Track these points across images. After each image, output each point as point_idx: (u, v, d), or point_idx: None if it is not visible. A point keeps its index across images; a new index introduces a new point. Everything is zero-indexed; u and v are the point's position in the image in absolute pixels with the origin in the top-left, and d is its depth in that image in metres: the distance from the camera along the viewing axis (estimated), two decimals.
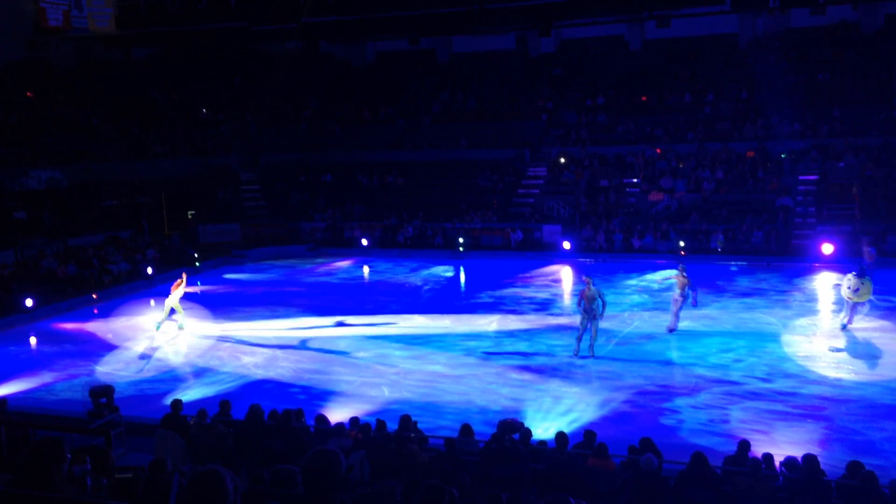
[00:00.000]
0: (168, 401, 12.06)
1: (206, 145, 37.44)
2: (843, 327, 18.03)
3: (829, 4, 31.22)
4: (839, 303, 19.25)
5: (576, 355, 16.64)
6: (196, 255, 29.00)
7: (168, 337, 19.62)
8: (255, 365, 17.20)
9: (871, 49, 33.17)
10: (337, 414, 12.61)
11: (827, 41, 34.27)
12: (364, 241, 31.63)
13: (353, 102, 39.41)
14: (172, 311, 19.89)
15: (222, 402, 11.97)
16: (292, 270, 29.13)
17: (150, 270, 26.81)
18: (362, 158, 36.33)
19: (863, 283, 17.50)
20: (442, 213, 32.09)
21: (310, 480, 4.25)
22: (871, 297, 18.05)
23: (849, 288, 17.69)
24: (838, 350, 17.04)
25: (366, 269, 28.98)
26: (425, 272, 27.75)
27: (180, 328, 20.04)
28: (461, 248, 30.02)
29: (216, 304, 23.35)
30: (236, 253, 31.12)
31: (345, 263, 30.09)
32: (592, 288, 16.50)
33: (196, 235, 32.54)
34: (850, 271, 18.31)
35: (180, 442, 11.08)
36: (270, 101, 39.72)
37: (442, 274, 27.61)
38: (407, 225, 31.98)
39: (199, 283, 27.35)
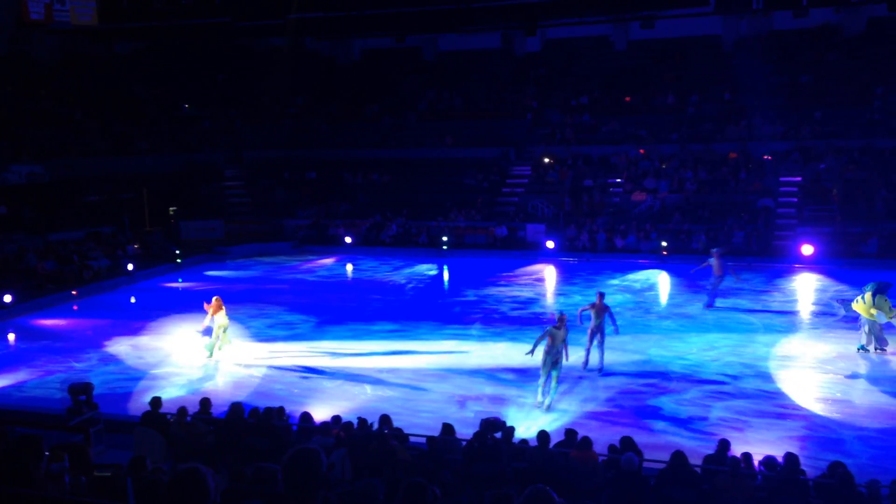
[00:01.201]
0: (148, 398, 11.98)
1: (190, 141, 37.23)
2: (860, 349, 16.56)
3: (812, 7, 31.46)
4: (853, 320, 17.52)
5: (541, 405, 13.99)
6: (178, 252, 28.84)
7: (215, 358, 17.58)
8: (236, 363, 17.12)
9: (853, 52, 33.48)
10: (319, 412, 12.59)
11: (810, 44, 34.55)
12: (348, 239, 31.57)
13: (338, 100, 39.32)
14: (209, 330, 17.78)
15: (203, 400, 11.90)
16: (275, 268, 29.02)
17: (130, 267, 26.61)
18: (347, 156, 36.26)
19: (884, 302, 16.13)
20: (426, 212, 32.09)
21: (290, 478, 4.24)
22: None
23: (867, 307, 16.28)
24: (864, 349, 16.55)
25: (349, 267, 28.93)
26: (409, 270, 27.73)
27: (211, 346, 17.66)
28: (445, 247, 30.03)
29: (197, 302, 23.20)
30: (218, 250, 30.97)
31: (329, 261, 30.02)
32: (603, 305, 15.52)
33: (178, 232, 32.36)
34: (830, 274, 18.40)
35: (160, 440, 11.01)
36: (255, 97, 39.55)
37: (426, 272, 27.60)
38: (391, 223, 31.95)
39: (180, 279, 27.22)
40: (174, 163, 35.72)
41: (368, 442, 9.91)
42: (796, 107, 32.07)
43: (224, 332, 17.46)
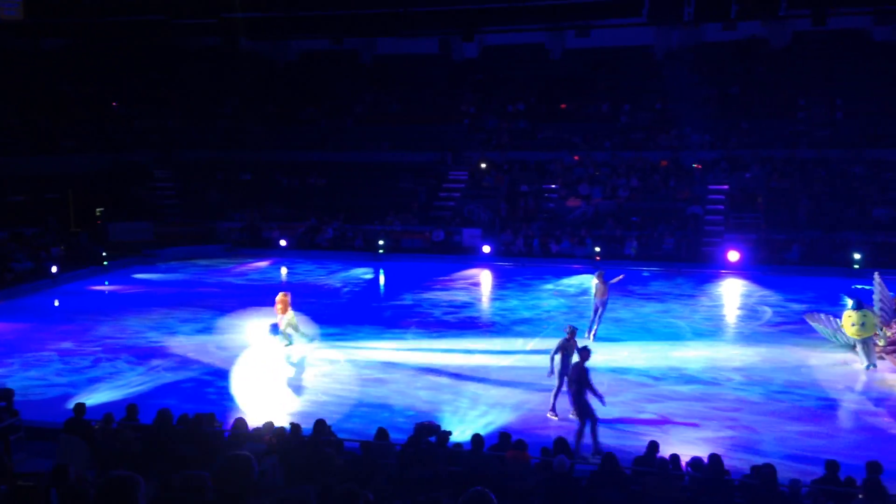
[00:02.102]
0: (72, 404, 11.59)
1: (119, 141, 36.23)
2: (868, 368, 15.84)
3: (740, 20, 32.47)
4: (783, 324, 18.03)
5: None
6: (104, 254, 27.98)
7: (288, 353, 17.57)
8: (164, 368, 16.71)
9: (778, 65, 34.67)
10: (253, 418, 12.38)
11: (737, 56, 35.64)
12: (283, 242, 31.17)
13: (274, 101, 38.81)
14: (275, 326, 17.64)
15: (129, 406, 11.60)
16: (207, 271, 28.45)
17: (54, 269, 25.71)
18: (283, 158, 35.82)
19: (865, 316, 15.89)
20: (363, 216, 31.95)
21: (221, 486, 4.17)
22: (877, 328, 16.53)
23: (853, 325, 15.95)
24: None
25: (283, 271, 28.57)
26: (345, 274, 27.55)
27: (289, 345, 17.62)
28: (381, 251, 29.94)
29: (124, 305, 22.61)
30: (147, 252, 30.17)
31: (262, 264, 29.59)
32: (602, 283, 17.28)
33: (105, 233, 31.43)
34: (755, 280, 18.92)
35: (84, 447, 10.67)
36: (188, 97, 38.74)
37: (362, 276, 27.47)
38: (327, 227, 31.69)
39: (106, 282, 26.46)
40: (102, 162, 34.70)
41: (301, 448, 9.80)
42: (724, 117, 33.04)
43: (295, 329, 17.57)
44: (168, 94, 38.60)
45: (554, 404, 13.55)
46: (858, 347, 16.09)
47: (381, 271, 28.40)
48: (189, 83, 38.81)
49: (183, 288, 25.49)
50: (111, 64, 38.29)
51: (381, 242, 30.11)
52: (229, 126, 37.80)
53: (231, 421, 11.33)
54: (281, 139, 36.79)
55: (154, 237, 31.86)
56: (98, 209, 32.25)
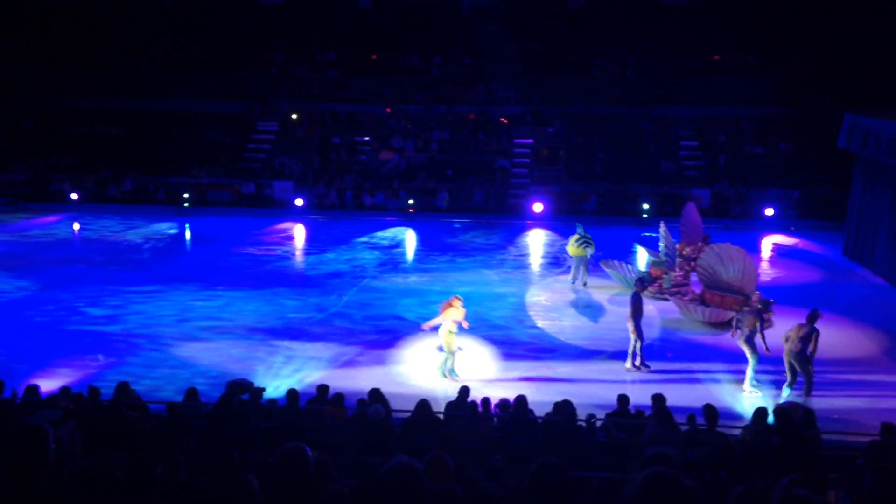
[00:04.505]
0: None
1: None
2: (585, 285, 19.10)
3: None
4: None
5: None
6: None
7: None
8: None
9: (576, 23, 36.31)
10: (47, 384, 11.51)
11: (540, 13, 36.92)
12: (74, 196, 28.83)
13: (60, 40, 35.33)
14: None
15: None
16: None
17: None
18: (71, 104, 32.91)
19: (583, 238, 18.93)
20: (165, 167, 30.19)
21: (10, 459, 3.90)
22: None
23: (576, 245, 18.97)
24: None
25: (76, 226, 26.52)
26: (146, 230, 26.01)
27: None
28: (186, 204, 28.53)
29: None
30: None
31: (52, 220, 27.27)
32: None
33: None
34: (556, 231, 19.99)
35: None
36: None
37: (165, 231, 26.08)
38: (124, 178, 29.68)
39: None
40: None
41: (101, 413, 9.26)
42: (528, 73, 34.26)
43: (448, 350, 13.52)
44: None
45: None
46: (581, 266, 19.07)
47: (187, 226, 27.10)
48: None
49: None
50: None
51: (185, 196, 28.67)
52: (5, 67, 34.05)
53: (22, 388, 10.49)
54: (68, 83, 33.71)
55: None
56: None
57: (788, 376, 12.87)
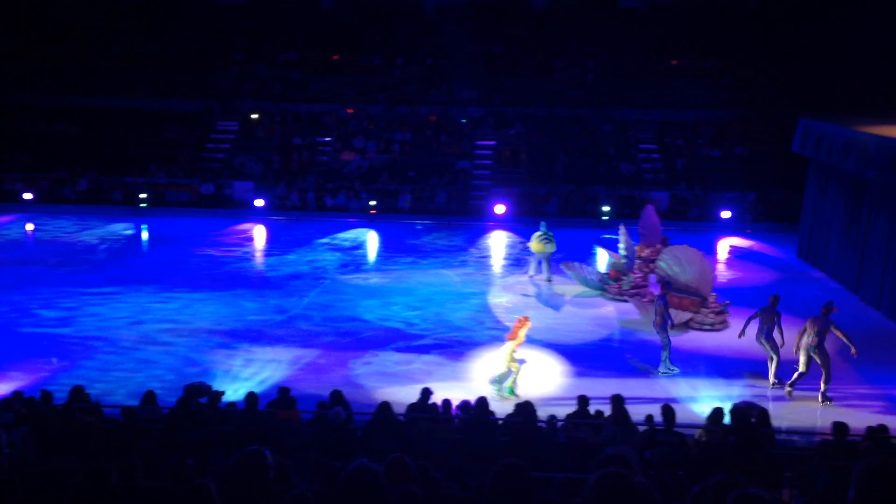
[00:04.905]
0: None
1: None
2: (548, 280, 19.88)
3: None
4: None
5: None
6: None
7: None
8: None
9: (538, 26, 36.54)
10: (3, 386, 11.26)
11: (502, 15, 37.07)
12: (28, 196, 28.18)
13: (11, 35, 34.52)
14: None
15: None
16: None
17: None
18: (26, 101, 32.18)
19: (545, 235, 19.70)
20: (122, 167, 29.66)
21: None
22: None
23: (538, 242, 19.81)
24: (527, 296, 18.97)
25: (29, 227, 25.93)
26: (102, 230, 25.53)
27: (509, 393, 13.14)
28: (143, 205, 28.06)
29: None
30: None
31: (4, 220, 26.62)
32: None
33: None
34: (518, 232, 20.14)
35: None
36: None
37: (121, 232, 25.63)
38: (80, 178, 29.09)
39: None
40: None
41: (55, 417, 9.07)
42: (490, 75, 34.35)
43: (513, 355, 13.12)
44: None
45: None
46: (542, 262, 19.90)
47: (144, 227, 26.65)
48: None
49: None
50: None
51: (143, 196, 28.20)
52: None
53: None
54: (21, 80, 32.97)
55: None
56: None
57: (802, 368, 13.21)
